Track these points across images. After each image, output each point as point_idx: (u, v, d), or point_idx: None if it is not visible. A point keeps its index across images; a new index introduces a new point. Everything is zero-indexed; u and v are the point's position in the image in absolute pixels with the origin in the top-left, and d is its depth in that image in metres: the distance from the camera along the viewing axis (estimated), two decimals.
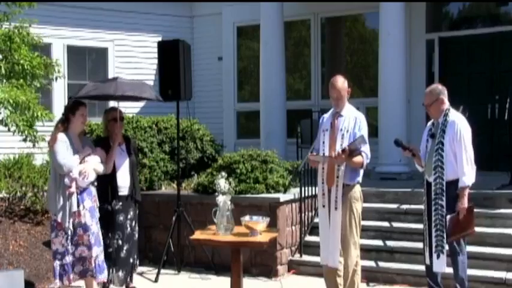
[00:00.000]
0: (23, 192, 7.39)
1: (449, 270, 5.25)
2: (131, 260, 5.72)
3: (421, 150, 5.26)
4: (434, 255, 5.05)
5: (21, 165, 7.82)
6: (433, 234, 5.05)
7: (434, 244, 5.05)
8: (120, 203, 5.61)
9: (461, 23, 10.03)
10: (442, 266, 5.06)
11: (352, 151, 4.78)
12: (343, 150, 4.75)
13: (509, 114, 7.68)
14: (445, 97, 5.13)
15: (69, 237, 5.10)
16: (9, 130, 6.40)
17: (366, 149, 4.85)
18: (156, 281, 6.46)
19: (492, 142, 9.07)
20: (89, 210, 5.16)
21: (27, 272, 6.17)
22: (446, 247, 5.05)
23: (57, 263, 5.14)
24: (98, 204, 5.37)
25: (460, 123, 5.01)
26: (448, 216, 4.99)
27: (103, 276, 5.26)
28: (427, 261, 5.16)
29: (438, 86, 5.23)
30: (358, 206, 4.94)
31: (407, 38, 9.01)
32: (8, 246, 6.58)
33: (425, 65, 9.92)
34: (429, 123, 5.34)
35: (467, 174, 4.94)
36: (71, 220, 5.07)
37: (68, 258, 5.11)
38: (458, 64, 9.75)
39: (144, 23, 11.10)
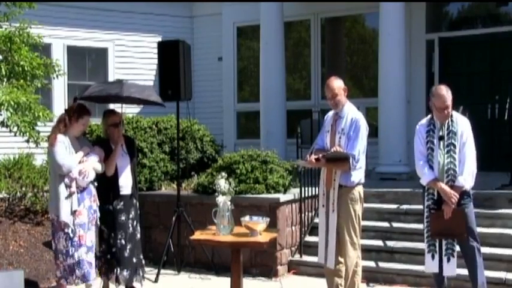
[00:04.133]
0: (23, 193, 7.39)
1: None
2: (135, 260, 5.71)
3: (420, 153, 5.01)
4: (444, 259, 4.93)
5: (21, 165, 7.83)
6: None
7: (444, 247, 4.93)
8: (122, 203, 5.59)
9: (461, 23, 10.03)
10: (453, 269, 4.95)
11: (330, 159, 4.78)
12: (317, 159, 4.79)
13: (509, 114, 7.68)
14: None
15: (70, 238, 5.11)
16: (10, 131, 6.41)
17: (358, 148, 4.80)
18: (156, 281, 6.46)
19: (492, 142, 9.06)
20: (87, 209, 5.19)
21: (27, 272, 6.17)
22: (457, 249, 4.96)
23: (60, 262, 5.15)
24: (98, 204, 5.38)
25: (467, 126, 4.93)
26: (433, 212, 4.93)
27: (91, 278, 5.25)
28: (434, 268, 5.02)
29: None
30: (356, 208, 4.91)
31: (407, 38, 9.00)
32: (8, 246, 6.58)
33: (425, 65, 9.91)
34: (424, 123, 5.12)
35: (467, 175, 4.84)
36: (72, 219, 5.08)
37: (69, 260, 5.12)
38: (458, 64, 9.74)
39: (144, 23, 11.09)
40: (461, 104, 6.48)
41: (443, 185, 4.86)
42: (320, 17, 10.77)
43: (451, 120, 4.92)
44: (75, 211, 5.08)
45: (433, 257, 4.98)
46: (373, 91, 9.43)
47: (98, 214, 5.36)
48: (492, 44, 9.49)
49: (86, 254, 5.16)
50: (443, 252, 4.94)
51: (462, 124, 4.93)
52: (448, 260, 4.93)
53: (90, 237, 5.21)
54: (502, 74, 9.33)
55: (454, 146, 4.86)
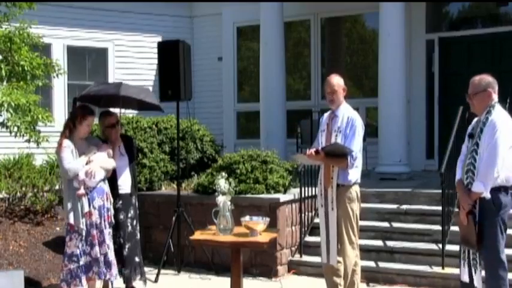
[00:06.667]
0: (23, 193, 7.39)
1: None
2: (136, 259, 5.71)
3: (462, 151, 4.60)
4: (472, 269, 4.42)
5: (21, 165, 7.83)
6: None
7: (471, 256, 4.44)
8: (121, 202, 5.61)
9: (461, 23, 10.03)
10: (479, 280, 4.41)
11: (329, 153, 4.78)
12: (317, 152, 4.78)
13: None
14: (493, 91, 4.48)
15: (83, 238, 5.15)
16: (10, 133, 6.40)
17: (356, 146, 4.81)
18: (156, 281, 6.46)
19: None
20: (97, 209, 5.21)
21: (27, 272, 6.16)
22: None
23: (73, 266, 5.15)
24: (112, 201, 5.40)
25: (500, 122, 4.34)
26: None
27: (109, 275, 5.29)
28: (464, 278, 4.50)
29: (489, 77, 4.52)
30: (354, 207, 4.92)
31: (407, 38, 9.00)
32: (8, 246, 6.57)
33: (425, 65, 9.91)
34: (474, 120, 4.63)
35: (479, 181, 4.28)
36: (84, 221, 5.12)
37: (84, 259, 5.16)
38: (458, 64, 9.73)
39: (144, 24, 11.09)
40: (461, 104, 6.48)
41: (460, 188, 4.47)
42: (320, 17, 10.78)
43: (486, 118, 4.41)
44: (86, 212, 5.12)
45: (463, 264, 4.51)
46: (373, 91, 9.43)
47: (112, 212, 5.38)
48: (492, 44, 9.50)
49: (104, 252, 5.20)
50: (471, 262, 4.44)
51: (496, 120, 4.36)
52: (475, 271, 4.42)
53: (106, 236, 5.24)
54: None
55: (478, 145, 4.34)
